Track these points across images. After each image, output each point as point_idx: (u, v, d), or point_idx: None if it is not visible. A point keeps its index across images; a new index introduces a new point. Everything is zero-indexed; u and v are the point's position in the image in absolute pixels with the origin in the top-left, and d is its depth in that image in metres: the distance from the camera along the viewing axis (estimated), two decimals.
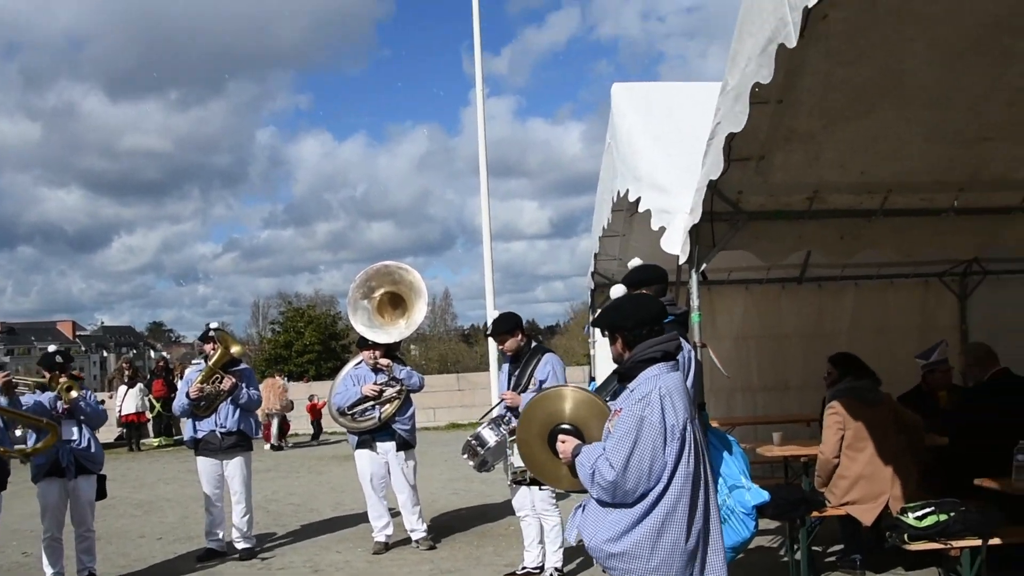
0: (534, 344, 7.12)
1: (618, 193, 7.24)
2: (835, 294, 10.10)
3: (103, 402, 8.94)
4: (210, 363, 8.46)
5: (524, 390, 6.72)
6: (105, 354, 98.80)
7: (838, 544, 7.03)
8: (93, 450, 7.48)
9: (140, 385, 20.25)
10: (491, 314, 16.58)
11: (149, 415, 20.51)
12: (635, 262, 5.37)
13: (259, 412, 19.37)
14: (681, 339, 4.89)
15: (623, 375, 3.75)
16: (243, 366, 8.72)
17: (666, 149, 6.20)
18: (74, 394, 7.24)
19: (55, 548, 7.38)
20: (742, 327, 10.07)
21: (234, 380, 8.39)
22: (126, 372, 21.02)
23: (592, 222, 9.33)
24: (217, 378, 8.40)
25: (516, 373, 6.86)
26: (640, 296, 4.30)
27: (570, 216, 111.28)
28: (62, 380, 7.31)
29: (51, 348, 7.80)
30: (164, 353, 54.73)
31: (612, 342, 3.82)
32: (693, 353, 5.02)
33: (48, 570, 7.35)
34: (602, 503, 3.67)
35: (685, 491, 3.58)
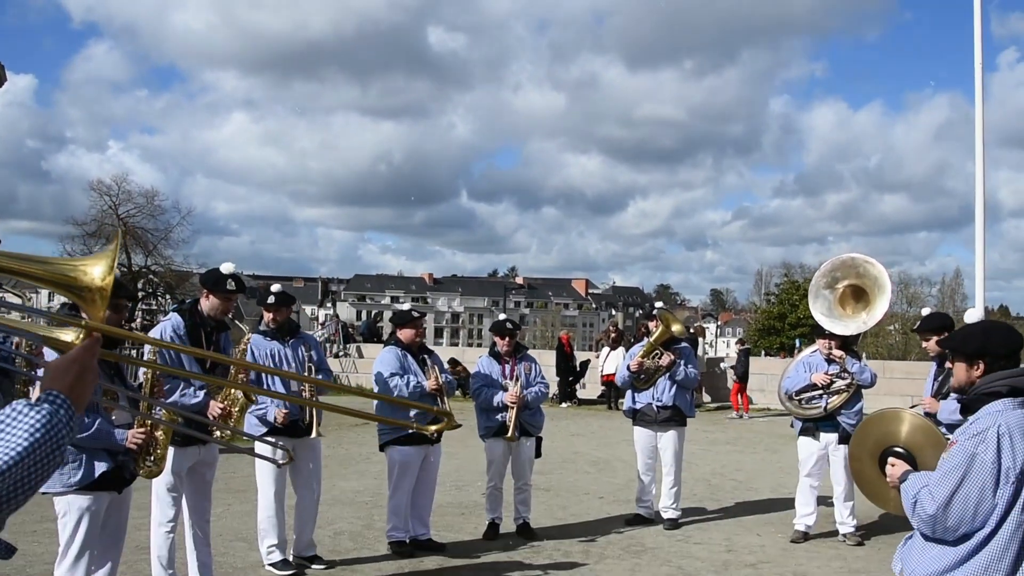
0: None
1: None
2: None
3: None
4: (651, 339, 9.01)
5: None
6: (613, 312, 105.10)
7: None
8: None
9: (621, 349, 21.44)
10: (979, 298, 14.98)
11: None
12: None
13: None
14: None
15: (965, 406, 3.53)
16: (683, 345, 9.13)
17: None
18: None
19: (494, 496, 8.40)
20: None
21: (672, 357, 8.85)
22: (611, 335, 22.43)
23: None
24: (657, 354, 8.91)
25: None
26: (1005, 325, 3.96)
27: None
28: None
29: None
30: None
31: (970, 366, 3.59)
32: None
33: (487, 515, 8.38)
34: (924, 536, 3.52)
35: (1015, 540, 3.29)
